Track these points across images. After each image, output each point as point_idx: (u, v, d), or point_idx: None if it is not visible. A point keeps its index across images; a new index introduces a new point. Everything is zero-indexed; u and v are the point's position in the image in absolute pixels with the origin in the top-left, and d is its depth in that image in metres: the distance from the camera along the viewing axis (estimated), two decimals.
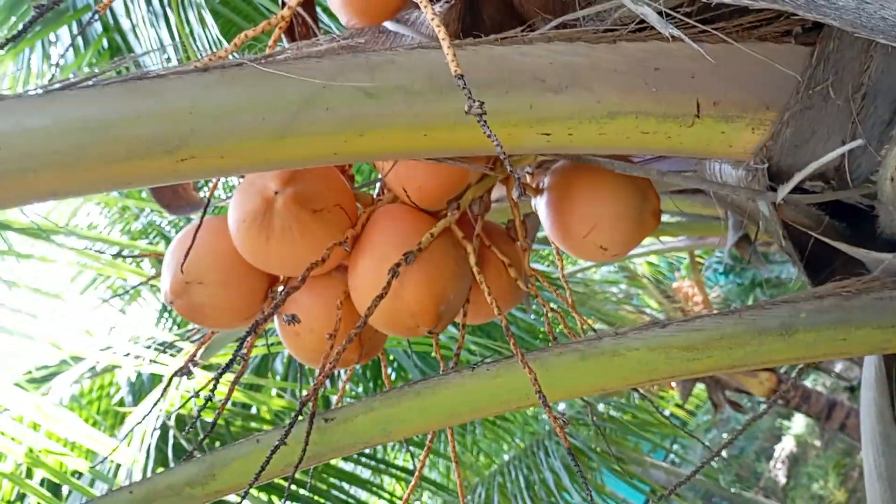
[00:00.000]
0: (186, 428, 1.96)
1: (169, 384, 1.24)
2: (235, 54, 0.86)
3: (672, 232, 4.53)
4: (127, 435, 2.89)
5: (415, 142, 0.88)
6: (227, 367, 0.84)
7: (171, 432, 2.78)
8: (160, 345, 3.20)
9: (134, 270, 3.35)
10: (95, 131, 0.79)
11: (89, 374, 3.79)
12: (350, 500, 3.41)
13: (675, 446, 7.88)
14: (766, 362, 0.94)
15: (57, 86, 0.79)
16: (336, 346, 0.99)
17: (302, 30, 1.36)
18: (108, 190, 0.92)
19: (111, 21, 4.42)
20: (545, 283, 1.29)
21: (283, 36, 1.33)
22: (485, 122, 0.62)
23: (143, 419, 1.24)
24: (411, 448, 3.63)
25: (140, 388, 3.66)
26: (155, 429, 2.79)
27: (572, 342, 0.96)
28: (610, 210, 1.14)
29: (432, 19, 0.70)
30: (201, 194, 1.51)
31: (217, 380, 0.92)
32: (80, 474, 2.99)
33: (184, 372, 1.21)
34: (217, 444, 3.24)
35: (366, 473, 4.11)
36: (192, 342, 2.77)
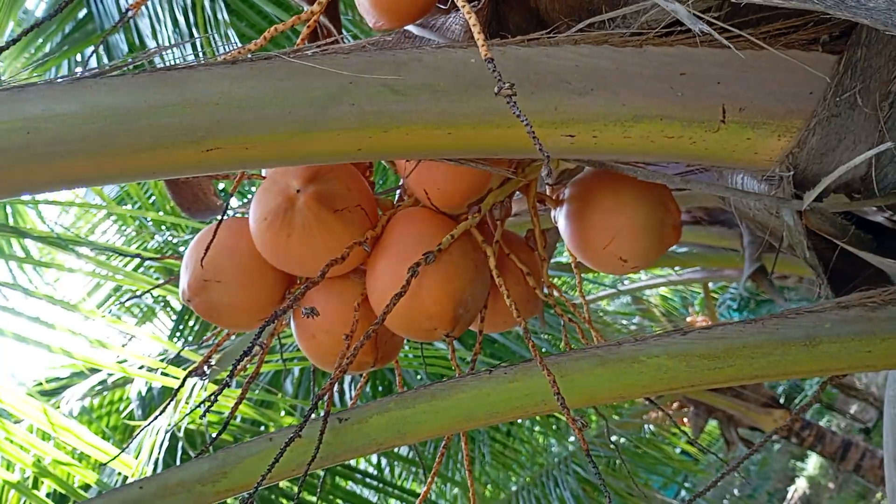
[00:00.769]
0: (197, 441, 1.95)
1: (181, 386, 1.24)
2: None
3: (688, 263, 4.51)
4: (132, 442, 2.87)
5: (439, 140, 0.88)
6: (246, 354, 0.84)
7: (180, 445, 2.76)
8: (172, 360, 3.20)
9: (149, 280, 3.37)
10: (124, 119, 0.80)
11: (100, 388, 3.79)
12: None
13: (687, 483, 7.76)
14: (788, 373, 0.93)
15: (87, 74, 0.80)
16: (353, 344, 0.98)
17: (325, 33, 1.38)
18: (134, 179, 0.93)
19: (137, 41, 4.50)
20: (564, 300, 1.28)
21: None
22: (514, 103, 0.62)
23: (151, 423, 1.23)
24: (422, 470, 3.59)
25: (150, 403, 3.66)
26: (163, 441, 2.78)
27: (591, 347, 0.95)
28: (630, 221, 1.14)
29: (466, 12, 0.71)
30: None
31: (232, 375, 0.91)
32: (88, 486, 2.98)
33: (198, 373, 1.21)
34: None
35: (372, 496, 4.06)
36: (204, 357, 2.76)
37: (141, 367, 3.05)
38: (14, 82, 0.80)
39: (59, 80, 0.80)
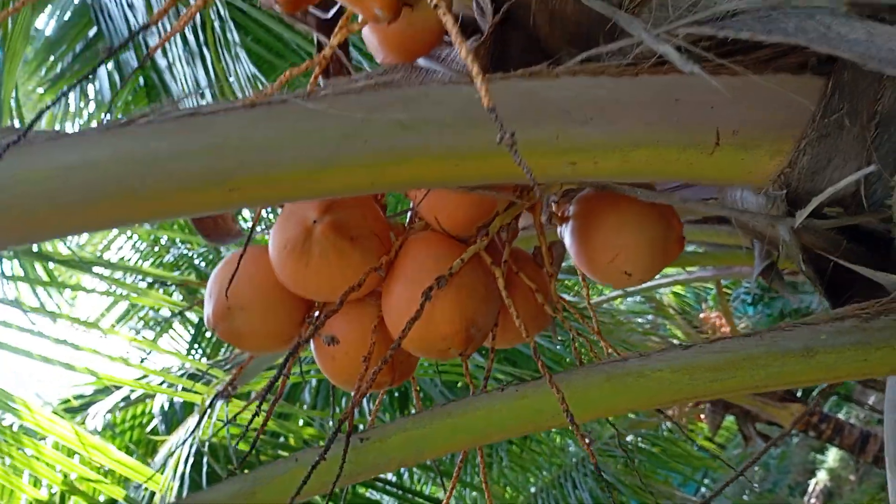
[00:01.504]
0: (220, 454, 2.00)
1: (209, 407, 1.29)
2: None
3: (698, 262, 4.53)
4: (158, 459, 2.94)
5: (447, 171, 0.93)
6: (275, 379, 0.89)
7: (205, 459, 2.82)
8: (192, 375, 3.27)
9: (167, 300, 3.44)
10: (152, 165, 0.85)
11: (123, 404, 3.86)
12: None
13: (706, 480, 7.77)
14: (788, 383, 0.97)
15: (117, 123, 0.86)
16: (371, 367, 1.03)
17: (335, 67, 1.43)
18: (163, 219, 0.98)
19: (149, 62, 4.57)
20: (572, 311, 1.33)
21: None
22: (516, 151, 0.67)
23: (179, 446, 1.28)
24: (440, 477, 3.64)
25: (172, 417, 3.72)
26: (188, 456, 2.84)
27: (598, 364, 1.00)
28: (634, 237, 1.18)
29: (466, 56, 0.75)
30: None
31: (263, 399, 0.96)
32: (115, 502, 3.05)
33: (224, 396, 1.26)
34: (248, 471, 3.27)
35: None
36: (223, 370, 2.83)
37: (162, 383, 3.12)
38: (47, 130, 0.85)
39: (90, 130, 0.85)
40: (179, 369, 3.58)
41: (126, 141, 0.85)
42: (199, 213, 0.94)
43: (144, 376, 3.09)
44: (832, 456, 9.74)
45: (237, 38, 3.55)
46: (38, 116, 0.78)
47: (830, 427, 6.69)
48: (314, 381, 3.93)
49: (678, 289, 8.00)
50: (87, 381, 3.75)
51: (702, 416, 7.72)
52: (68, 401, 3.60)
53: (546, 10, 1.03)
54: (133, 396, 3.77)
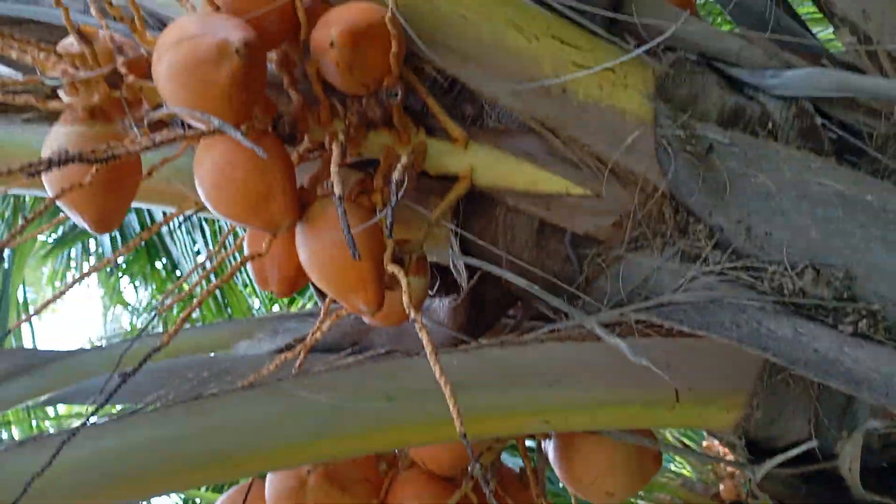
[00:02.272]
0: None
1: None
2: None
3: None
4: None
5: (430, 435, 1.01)
6: None
7: None
8: None
9: None
10: (162, 449, 0.93)
11: None
12: None
13: None
14: None
15: (127, 413, 0.94)
16: None
17: None
18: (172, 492, 1.05)
19: (149, 222, 4.74)
20: None
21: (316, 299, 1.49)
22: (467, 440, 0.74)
23: None
24: None
25: None
26: None
27: None
28: (611, 460, 1.24)
29: (430, 354, 0.84)
30: None
31: None
32: None
33: None
34: None
35: None
36: None
37: None
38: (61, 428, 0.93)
39: (105, 421, 0.94)
40: None
41: (137, 429, 0.93)
42: (205, 485, 1.00)
43: None
44: None
45: None
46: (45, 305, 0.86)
47: None
48: None
49: None
50: None
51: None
52: None
53: (517, 268, 1.14)
54: None
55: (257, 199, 0.89)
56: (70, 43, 0.99)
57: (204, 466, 0.94)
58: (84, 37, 0.93)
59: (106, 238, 5.49)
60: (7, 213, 4.19)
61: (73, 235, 5.25)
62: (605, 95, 1.02)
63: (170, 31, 0.86)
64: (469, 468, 1.16)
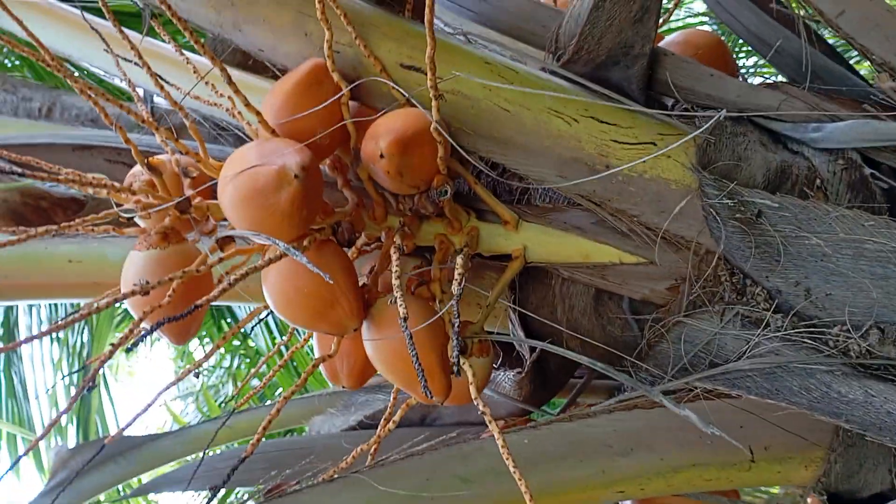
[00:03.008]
0: None
1: None
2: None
3: None
4: None
5: None
6: None
7: None
8: None
9: None
10: None
11: None
12: None
13: None
14: None
15: None
16: None
17: None
18: None
19: None
20: None
21: None
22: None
23: None
24: None
25: None
26: None
27: None
28: None
29: (499, 441, 0.87)
30: None
31: None
32: None
33: None
34: None
35: None
36: None
37: None
38: None
39: None
40: None
41: None
42: None
43: None
44: None
45: None
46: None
47: None
48: None
49: None
50: None
51: None
52: None
53: (577, 340, 1.16)
54: None
55: (323, 306, 0.93)
56: (139, 171, 1.07)
57: None
58: (153, 168, 1.00)
59: None
60: None
61: None
62: (648, 167, 1.04)
63: (232, 161, 0.92)
64: None
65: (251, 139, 1.10)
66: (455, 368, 0.91)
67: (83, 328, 3.87)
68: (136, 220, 1.08)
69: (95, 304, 0.89)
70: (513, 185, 1.27)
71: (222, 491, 1.58)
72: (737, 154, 1.03)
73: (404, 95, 0.99)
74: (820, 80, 1.22)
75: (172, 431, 1.79)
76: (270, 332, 4.41)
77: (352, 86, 1.00)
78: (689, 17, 4.13)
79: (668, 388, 1.01)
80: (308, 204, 0.90)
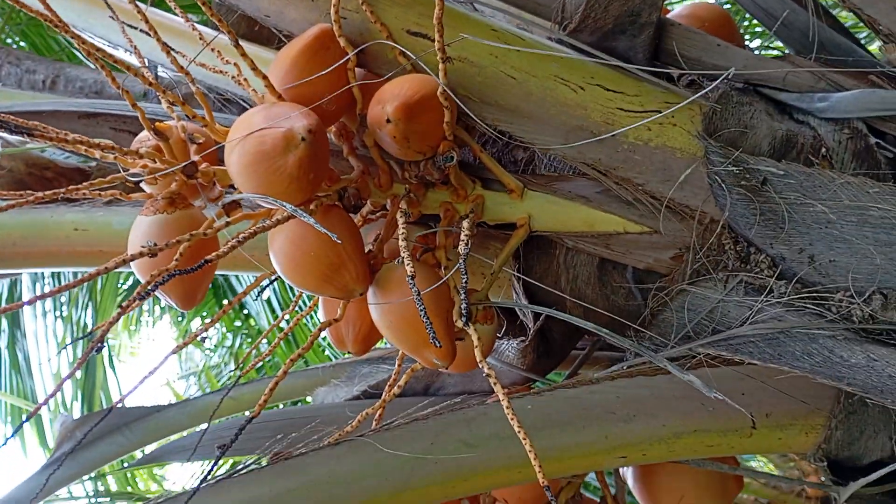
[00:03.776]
0: None
1: None
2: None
3: None
4: None
5: (510, 477, 1.04)
6: None
7: None
8: None
9: None
10: None
11: None
12: None
13: None
14: None
15: (225, 476, 1.00)
16: None
17: None
18: None
19: None
20: None
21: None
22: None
23: None
24: None
25: None
26: None
27: None
28: (694, 481, 1.25)
29: (504, 404, 0.88)
30: None
31: None
32: None
33: None
34: None
35: None
36: None
37: None
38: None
39: (202, 485, 0.99)
40: None
41: (234, 492, 0.99)
42: None
43: None
44: None
45: None
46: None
47: None
48: None
49: None
50: None
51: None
52: None
53: (580, 308, 1.17)
54: None
55: (330, 269, 0.94)
56: (145, 137, 1.07)
57: None
58: (160, 133, 1.00)
59: None
60: None
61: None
62: (654, 135, 1.04)
63: (238, 125, 0.92)
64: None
65: None
66: (465, 321, 0.92)
67: (87, 304, 3.89)
68: (143, 185, 1.08)
69: (104, 267, 0.90)
70: (518, 156, 1.28)
71: (228, 460, 1.60)
72: (742, 123, 1.03)
73: (411, 59, 0.99)
74: (826, 52, 1.22)
75: (177, 403, 1.80)
76: (273, 311, 4.43)
77: (357, 49, 0.99)
78: None
79: (671, 355, 1.02)
80: (315, 167, 0.91)
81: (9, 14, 3.24)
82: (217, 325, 6.05)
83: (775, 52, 1.52)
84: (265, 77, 0.97)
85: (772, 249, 0.96)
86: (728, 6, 3.11)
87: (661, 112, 1.04)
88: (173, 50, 1.04)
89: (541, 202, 1.11)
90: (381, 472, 1.01)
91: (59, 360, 4.33)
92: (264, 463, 1.04)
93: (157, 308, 5.89)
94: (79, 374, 3.53)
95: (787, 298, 0.92)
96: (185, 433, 1.82)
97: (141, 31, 1.05)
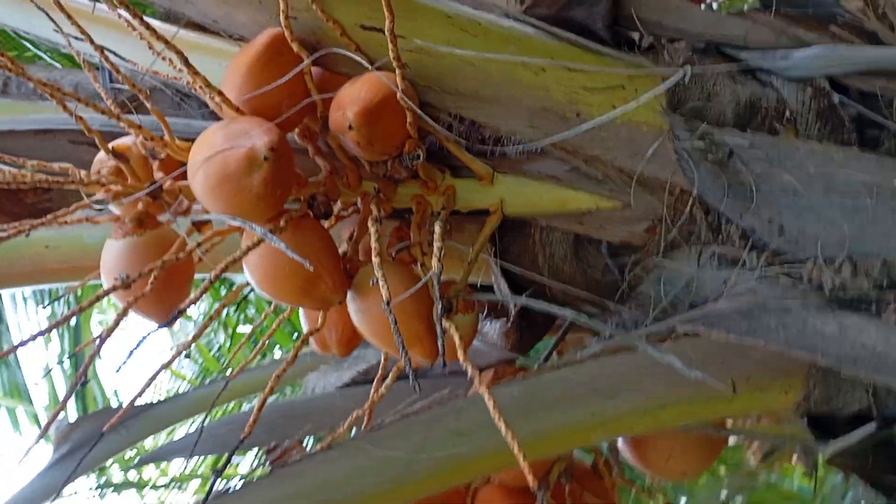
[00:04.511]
0: None
1: None
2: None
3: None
4: None
5: (502, 462, 1.07)
6: None
7: None
8: None
9: None
10: None
11: None
12: None
13: None
14: None
15: (219, 492, 1.01)
16: None
17: None
18: None
19: None
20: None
21: None
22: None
23: None
24: None
25: None
26: None
27: None
28: (682, 443, 1.29)
29: (486, 397, 0.90)
30: None
31: None
32: None
33: None
34: None
35: None
36: None
37: None
38: None
39: (214, 497, 1.01)
40: None
41: (245, 498, 1.01)
42: None
43: None
44: None
45: None
46: None
47: None
48: None
49: None
50: None
51: (793, 458, 7.50)
52: None
53: (559, 286, 1.18)
54: None
55: (306, 283, 0.94)
56: (104, 158, 1.05)
57: None
58: (119, 156, 0.98)
59: None
60: None
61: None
62: (619, 111, 1.03)
63: (199, 147, 0.90)
64: (546, 473, 1.22)
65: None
66: (445, 312, 0.92)
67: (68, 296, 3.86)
68: (109, 207, 1.06)
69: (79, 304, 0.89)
70: (485, 133, 1.27)
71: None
72: (706, 91, 1.03)
73: (367, 63, 0.97)
74: (786, 3, 1.21)
75: (169, 399, 1.81)
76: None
77: (313, 57, 0.97)
78: None
79: (650, 331, 1.03)
80: (281, 183, 0.89)
81: None
82: (205, 295, 6.05)
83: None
84: (220, 93, 0.94)
85: (742, 221, 0.97)
86: None
87: (623, 87, 1.03)
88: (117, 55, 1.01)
89: (512, 186, 1.11)
90: (378, 472, 1.03)
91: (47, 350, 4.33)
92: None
93: None
94: (67, 364, 3.53)
95: (760, 270, 0.93)
96: (180, 425, 1.84)
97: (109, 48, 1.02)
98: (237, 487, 1.02)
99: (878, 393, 1.03)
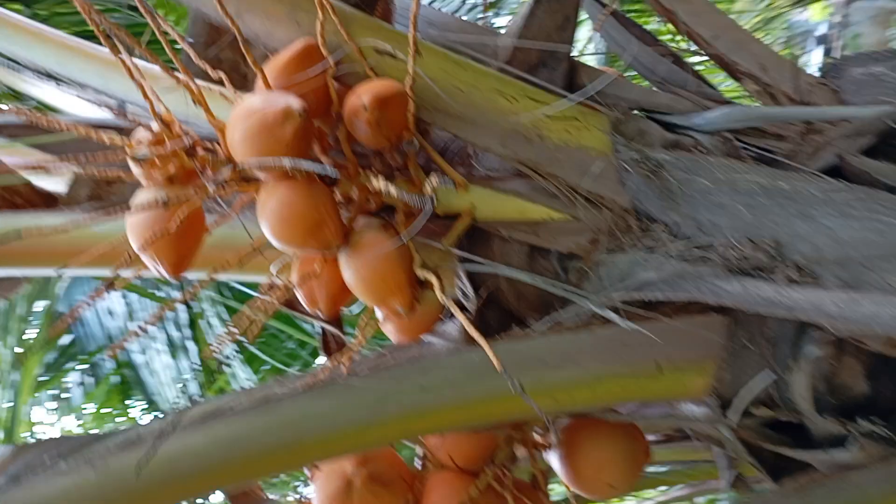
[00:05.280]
0: None
1: None
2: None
3: (671, 481, 4.65)
4: None
5: (461, 417, 1.22)
6: None
7: None
8: None
9: None
10: (238, 444, 1.11)
11: None
12: None
13: None
14: None
15: (210, 411, 1.12)
16: None
17: (335, 344, 1.74)
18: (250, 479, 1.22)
19: (124, 357, 4.81)
20: None
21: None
22: (525, 393, 0.96)
23: None
24: None
25: None
26: None
27: None
28: (609, 454, 1.44)
29: (472, 331, 1.07)
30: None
31: None
32: None
33: None
34: None
35: None
36: None
37: None
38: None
39: (190, 423, 1.11)
40: None
41: (218, 429, 1.12)
42: (271, 475, 1.17)
43: None
44: None
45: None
46: None
47: None
48: None
49: None
50: None
51: None
52: None
53: (514, 291, 1.38)
54: None
55: (314, 226, 1.13)
56: (142, 136, 1.24)
57: (276, 456, 1.12)
58: (165, 122, 1.19)
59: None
60: None
61: (52, 377, 5.29)
62: (573, 138, 1.30)
63: (240, 108, 1.13)
64: (490, 458, 1.35)
65: None
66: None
67: None
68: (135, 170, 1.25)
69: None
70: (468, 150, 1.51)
71: None
72: (640, 128, 1.31)
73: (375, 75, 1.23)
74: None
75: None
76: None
77: (336, 57, 1.23)
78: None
79: (597, 304, 1.23)
80: (305, 139, 1.11)
81: None
82: None
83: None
84: (262, 71, 1.18)
85: (667, 217, 1.21)
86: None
87: (577, 119, 1.31)
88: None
89: (482, 194, 1.34)
90: (348, 412, 1.17)
91: None
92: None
93: None
94: None
95: (681, 253, 1.16)
96: None
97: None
98: (221, 413, 1.13)
99: (778, 383, 1.23)
